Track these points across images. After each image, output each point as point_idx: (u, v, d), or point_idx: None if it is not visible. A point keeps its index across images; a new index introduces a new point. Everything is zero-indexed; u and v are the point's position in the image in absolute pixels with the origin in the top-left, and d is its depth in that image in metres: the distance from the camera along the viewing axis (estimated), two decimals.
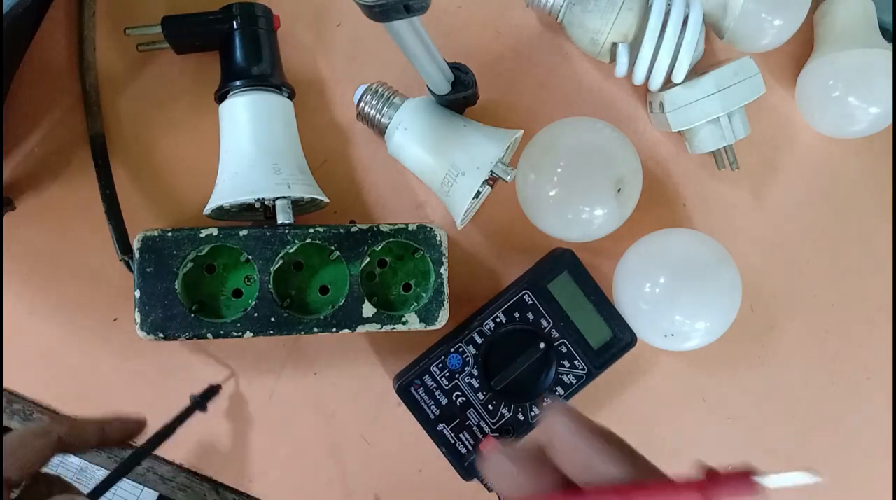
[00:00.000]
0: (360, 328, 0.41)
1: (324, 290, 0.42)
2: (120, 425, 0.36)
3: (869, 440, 0.50)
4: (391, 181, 0.46)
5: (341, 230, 0.41)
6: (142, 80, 0.45)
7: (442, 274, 0.42)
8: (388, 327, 0.41)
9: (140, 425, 0.37)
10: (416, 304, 0.42)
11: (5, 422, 0.44)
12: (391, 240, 0.41)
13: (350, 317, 0.41)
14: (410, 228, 0.42)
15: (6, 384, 0.44)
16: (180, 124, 0.45)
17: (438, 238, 0.42)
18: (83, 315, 0.44)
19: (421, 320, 0.42)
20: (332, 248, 0.41)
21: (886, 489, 0.49)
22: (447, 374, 0.42)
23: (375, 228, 0.41)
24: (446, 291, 0.42)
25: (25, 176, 0.44)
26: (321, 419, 0.46)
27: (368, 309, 0.41)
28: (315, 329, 0.40)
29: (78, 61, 0.44)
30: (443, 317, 0.42)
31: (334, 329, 0.41)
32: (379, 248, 0.41)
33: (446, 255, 0.42)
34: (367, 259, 0.41)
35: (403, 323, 0.41)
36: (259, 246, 0.40)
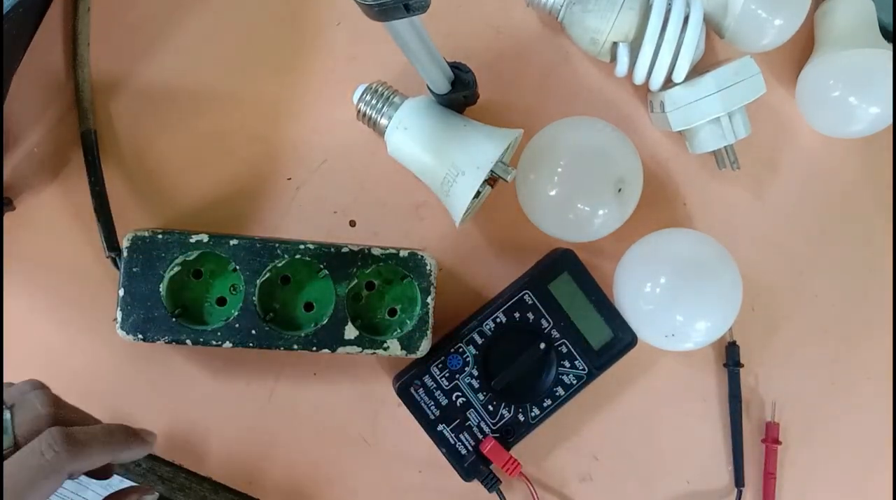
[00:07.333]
0: (341, 350, 0.40)
1: (308, 306, 0.42)
2: (123, 437, 0.33)
3: (869, 439, 0.50)
4: (391, 181, 0.46)
5: (332, 249, 0.40)
6: (137, 78, 0.45)
7: (428, 304, 0.41)
8: (368, 351, 0.41)
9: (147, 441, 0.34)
10: (399, 330, 0.42)
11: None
12: (381, 264, 0.41)
13: (332, 337, 0.40)
14: (402, 254, 0.41)
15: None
16: (175, 124, 0.45)
17: (429, 267, 0.41)
18: (83, 315, 0.44)
19: (402, 348, 0.41)
20: (322, 266, 0.40)
21: (886, 489, 0.49)
22: (447, 374, 0.42)
23: (367, 251, 0.41)
24: (431, 320, 0.42)
25: (25, 176, 0.44)
26: (321, 419, 0.46)
27: (351, 331, 0.40)
28: (295, 346, 0.40)
29: (71, 57, 0.44)
30: (424, 347, 0.41)
31: (314, 348, 0.40)
32: (368, 271, 0.41)
33: (434, 284, 0.42)
34: (356, 280, 0.41)
35: (385, 349, 0.41)
36: (248, 257, 0.40)
